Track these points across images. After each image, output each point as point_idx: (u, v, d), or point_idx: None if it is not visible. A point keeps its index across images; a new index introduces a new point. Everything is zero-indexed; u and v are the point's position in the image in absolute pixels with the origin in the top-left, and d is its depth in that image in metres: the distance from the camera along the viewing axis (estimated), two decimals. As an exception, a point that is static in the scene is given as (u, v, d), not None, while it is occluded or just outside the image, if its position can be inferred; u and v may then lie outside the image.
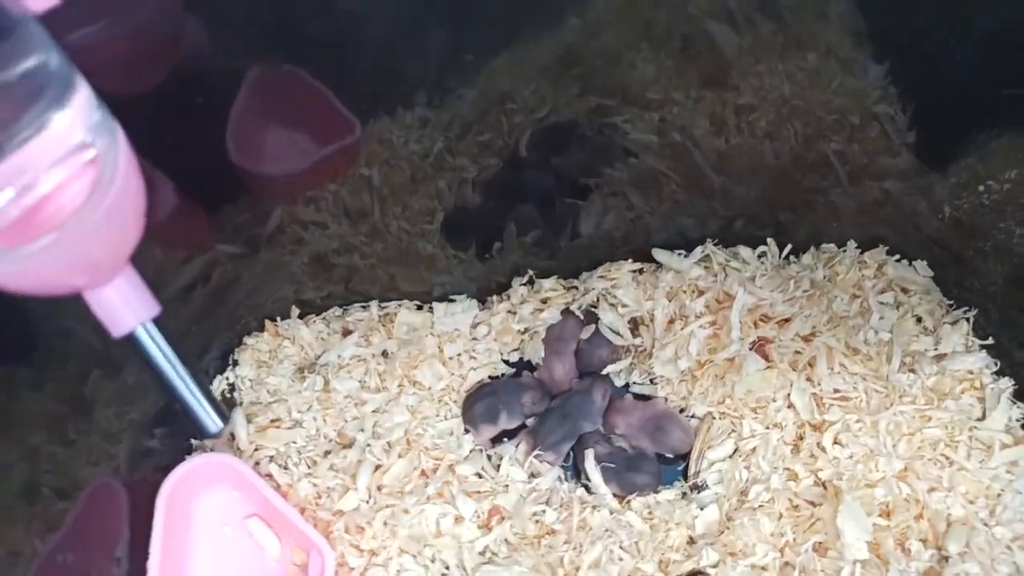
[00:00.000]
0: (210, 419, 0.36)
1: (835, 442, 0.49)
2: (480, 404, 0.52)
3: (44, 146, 0.29)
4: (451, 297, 0.56)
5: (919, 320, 0.53)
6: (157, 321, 0.36)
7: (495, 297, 0.56)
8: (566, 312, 0.54)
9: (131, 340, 0.35)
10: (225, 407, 0.42)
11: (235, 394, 0.54)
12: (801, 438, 0.50)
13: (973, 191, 0.47)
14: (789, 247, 0.53)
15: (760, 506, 0.48)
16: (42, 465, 0.46)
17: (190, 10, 0.38)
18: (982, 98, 0.43)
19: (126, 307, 0.34)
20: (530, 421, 0.53)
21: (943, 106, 0.47)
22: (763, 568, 0.46)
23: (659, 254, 0.53)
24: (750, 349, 0.50)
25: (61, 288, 0.33)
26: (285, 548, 0.50)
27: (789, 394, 0.50)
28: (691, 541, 0.48)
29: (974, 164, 0.46)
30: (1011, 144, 0.43)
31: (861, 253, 0.54)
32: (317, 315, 0.56)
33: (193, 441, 0.53)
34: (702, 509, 0.49)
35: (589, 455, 0.50)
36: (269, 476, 0.50)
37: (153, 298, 0.35)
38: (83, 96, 0.29)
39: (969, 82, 0.42)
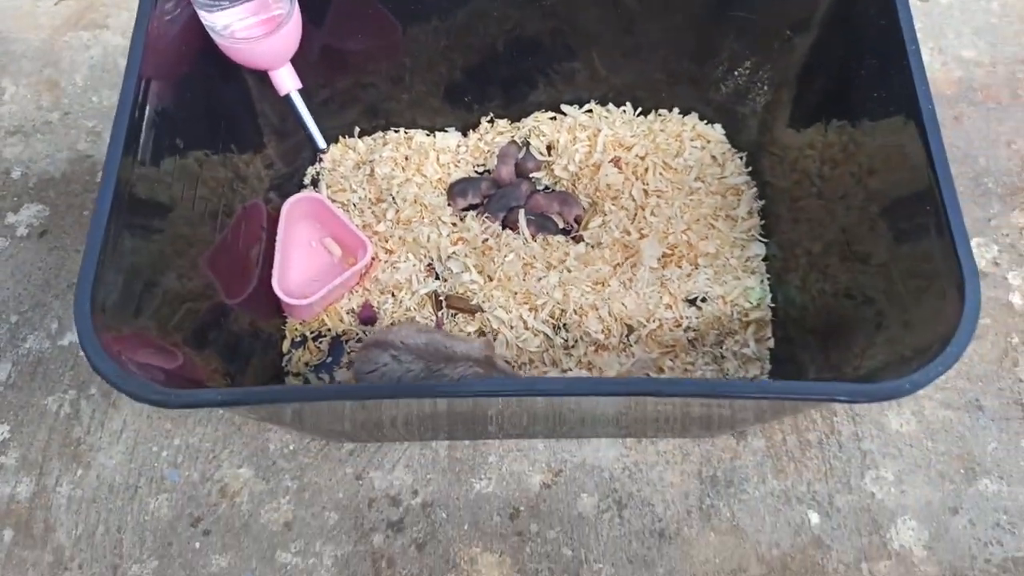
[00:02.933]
0: (321, 140, 0.77)
1: (652, 214, 0.87)
2: (457, 186, 0.91)
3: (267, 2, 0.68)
4: (446, 129, 0.94)
5: (714, 158, 0.91)
6: (300, 92, 0.75)
7: (472, 131, 0.95)
8: (511, 141, 0.93)
9: (287, 98, 0.75)
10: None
11: (319, 176, 0.94)
12: (636, 213, 0.88)
13: (732, 77, 0.85)
14: (640, 109, 0.92)
15: (606, 246, 0.86)
16: (209, 202, 0.85)
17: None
18: (729, 39, 0.81)
19: (287, 79, 0.75)
20: (484, 200, 0.92)
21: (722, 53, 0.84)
22: (601, 274, 0.85)
23: (565, 108, 0.92)
24: (609, 163, 0.89)
25: (261, 64, 0.73)
26: (344, 254, 0.90)
27: (632, 189, 0.89)
28: (563, 259, 0.86)
29: (730, 65, 0.84)
30: (739, 54, 0.82)
31: (683, 116, 0.92)
32: (368, 135, 0.96)
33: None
34: (575, 245, 0.87)
35: (522, 212, 0.88)
36: (338, 215, 0.90)
37: (297, 78, 0.75)
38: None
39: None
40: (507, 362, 0.80)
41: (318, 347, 0.85)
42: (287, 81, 0.74)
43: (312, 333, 0.86)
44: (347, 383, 0.82)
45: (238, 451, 0.80)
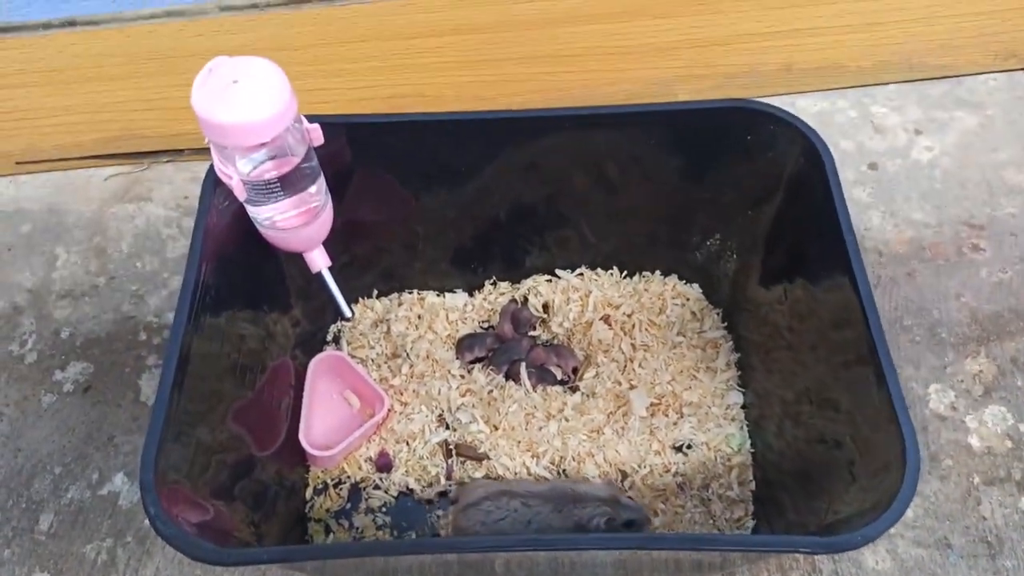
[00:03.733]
0: (347, 311, 0.87)
1: (640, 366, 0.97)
2: (465, 342, 1.01)
3: (308, 194, 0.81)
4: (454, 290, 1.06)
5: (693, 314, 1.02)
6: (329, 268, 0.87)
7: (477, 292, 1.06)
8: (511, 300, 1.04)
9: (319, 275, 0.87)
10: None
11: (341, 333, 1.04)
12: (625, 365, 0.98)
13: (705, 246, 0.97)
14: (625, 271, 1.04)
15: (600, 395, 0.95)
16: (242, 359, 0.95)
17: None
18: (700, 213, 0.93)
19: (319, 259, 0.86)
20: (489, 354, 1.02)
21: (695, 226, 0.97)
22: (596, 422, 0.93)
23: (560, 272, 1.04)
24: (600, 320, 0.99)
25: (297, 248, 0.84)
26: (363, 406, 0.98)
27: (621, 343, 0.99)
28: (562, 409, 0.95)
29: (703, 236, 0.96)
30: (709, 227, 0.94)
31: (664, 277, 1.04)
32: (385, 296, 1.07)
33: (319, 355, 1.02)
34: (572, 395, 0.96)
35: (523, 365, 0.98)
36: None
37: (328, 258, 0.87)
38: (321, 179, 0.82)
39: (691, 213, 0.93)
40: (630, 498, 0.87)
41: (338, 494, 0.92)
42: (319, 261, 0.86)
43: (333, 480, 0.93)
44: (367, 527, 0.89)
45: (262, 597, 0.85)
